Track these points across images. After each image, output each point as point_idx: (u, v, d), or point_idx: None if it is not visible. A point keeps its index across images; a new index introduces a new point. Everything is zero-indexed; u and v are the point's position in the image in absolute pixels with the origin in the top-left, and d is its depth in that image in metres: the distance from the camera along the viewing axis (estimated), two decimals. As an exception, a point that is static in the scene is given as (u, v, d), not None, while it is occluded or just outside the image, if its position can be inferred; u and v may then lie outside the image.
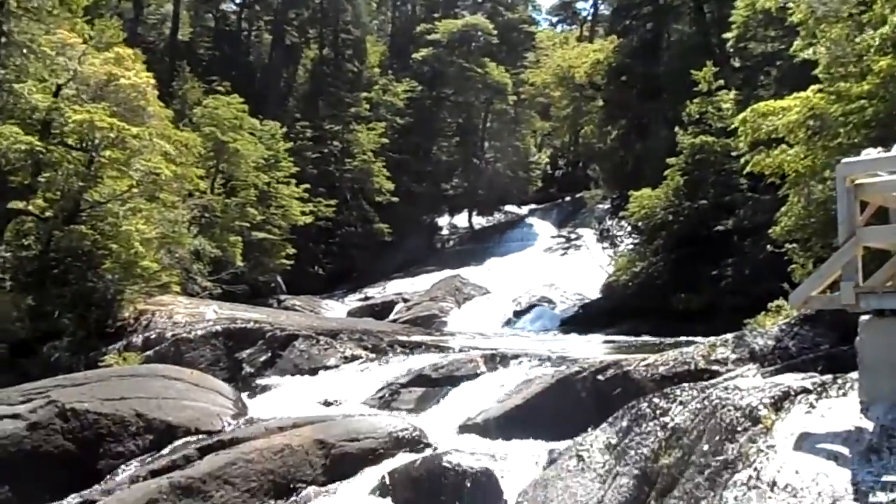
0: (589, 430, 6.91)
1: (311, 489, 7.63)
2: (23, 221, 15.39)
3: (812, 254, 9.89)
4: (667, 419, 6.29)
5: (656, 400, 6.56)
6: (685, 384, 6.93)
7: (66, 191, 15.15)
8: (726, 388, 6.37)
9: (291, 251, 26.62)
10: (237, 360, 13.84)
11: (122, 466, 9.21)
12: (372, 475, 7.77)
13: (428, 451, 8.25)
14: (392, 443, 8.35)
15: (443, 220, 40.61)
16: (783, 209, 10.78)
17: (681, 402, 6.39)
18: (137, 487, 7.60)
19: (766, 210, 14.54)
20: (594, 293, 22.52)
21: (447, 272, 27.62)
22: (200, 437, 9.36)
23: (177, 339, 14.00)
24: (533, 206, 40.70)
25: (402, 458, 8.02)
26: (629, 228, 23.05)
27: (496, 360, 11.67)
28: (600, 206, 28.63)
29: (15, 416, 9.40)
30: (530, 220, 39.00)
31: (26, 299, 14.12)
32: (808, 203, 9.84)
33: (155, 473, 7.92)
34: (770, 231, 11.22)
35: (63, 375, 10.99)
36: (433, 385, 11.23)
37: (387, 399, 11.16)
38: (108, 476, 8.93)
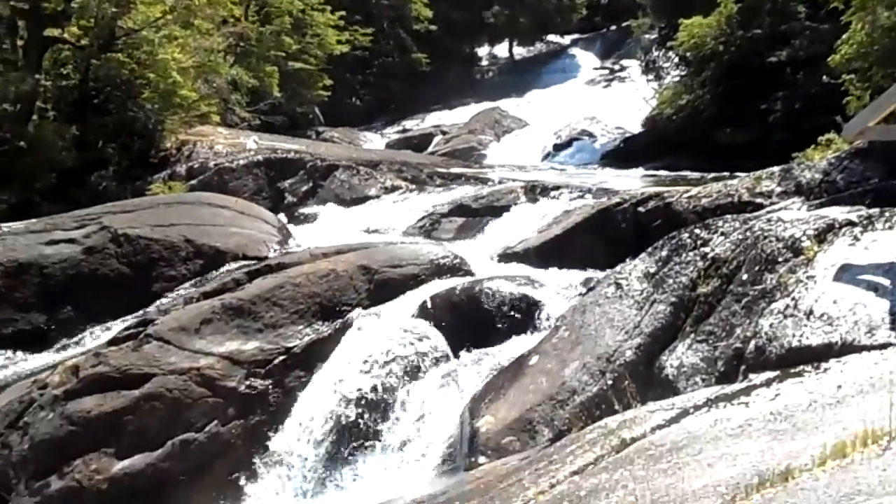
0: (628, 259, 7.00)
1: (356, 312, 7.92)
2: (59, 50, 15.30)
3: (871, 84, 9.50)
4: (707, 249, 6.33)
5: (697, 230, 6.58)
6: (727, 216, 6.91)
7: (100, 17, 14.92)
8: (769, 220, 6.34)
9: (328, 82, 26.25)
10: (279, 189, 14.04)
11: (175, 289, 9.65)
12: (413, 299, 8.03)
13: (468, 278, 8.46)
14: (433, 269, 8.56)
15: (482, 51, 39.48)
16: (844, 37, 10.28)
17: (722, 233, 6.41)
18: (192, 307, 7.95)
19: (823, 40, 13.87)
20: (636, 127, 22.10)
21: (486, 104, 27.15)
22: (248, 262, 9.68)
23: (219, 169, 14.19)
24: (576, 35, 39.20)
25: (443, 284, 8.24)
26: (676, 60, 22.22)
27: (536, 191, 11.71)
28: (647, 35, 27.48)
29: (71, 241, 9.76)
30: (573, 50, 37.73)
31: (70, 129, 14.28)
32: (872, 29, 9.35)
33: (207, 295, 8.25)
34: (829, 59, 10.75)
35: (112, 203, 11.28)
36: (473, 215, 11.36)
37: (427, 228, 11.34)
38: (163, 297, 9.38)
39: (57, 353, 9.05)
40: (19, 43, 14.91)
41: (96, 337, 9.10)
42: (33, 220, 10.46)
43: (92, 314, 9.40)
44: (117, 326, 8.91)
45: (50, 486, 6.53)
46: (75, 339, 9.24)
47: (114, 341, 7.65)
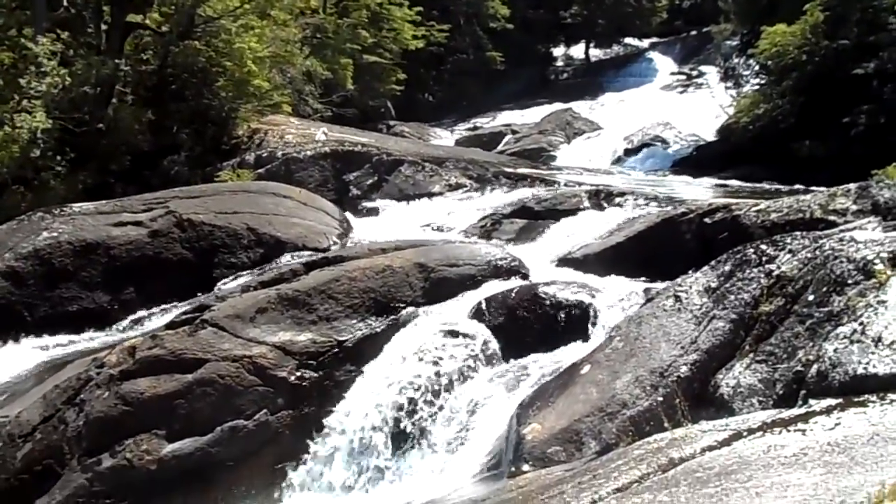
0: (689, 272, 6.79)
1: (410, 309, 7.88)
2: (141, 35, 15.69)
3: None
4: (772, 266, 6.08)
5: (763, 246, 6.33)
6: (797, 232, 6.64)
7: (181, 5, 15.25)
8: (841, 240, 6.06)
9: (402, 76, 26.36)
10: (344, 181, 14.13)
11: (234, 276, 9.78)
12: (469, 300, 7.95)
13: (525, 282, 8.34)
14: (490, 270, 8.46)
15: (558, 51, 39.13)
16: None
17: (790, 250, 6.15)
18: (248, 296, 8.02)
19: (913, 52, 13.30)
20: (711, 135, 21.59)
21: (558, 105, 26.89)
22: (307, 253, 9.75)
23: (287, 159, 14.35)
24: (655, 39, 38.52)
25: (499, 286, 8.13)
26: (756, 67, 21.63)
27: (601, 196, 11.49)
28: (728, 42, 26.83)
29: (137, 224, 9.98)
30: (651, 54, 37.09)
31: (147, 113, 14.63)
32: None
33: (264, 284, 8.32)
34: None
35: (179, 188, 11.50)
36: (535, 217, 11.22)
37: (488, 228, 11.24)
38: (222, 284, 9.52)
39: (118, 333, 9.27)
40: (103, 28, 15.33)
41: (156, 319, 9.29)
42: (103, 202, 10.73)
43: (153, 296, 9.60)
44: (176, 310, 9.08)
45: (101, 464, 6.66)
46: (136, 319, 9.46)
47: (171, 325, 7.76)
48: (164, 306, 9.41)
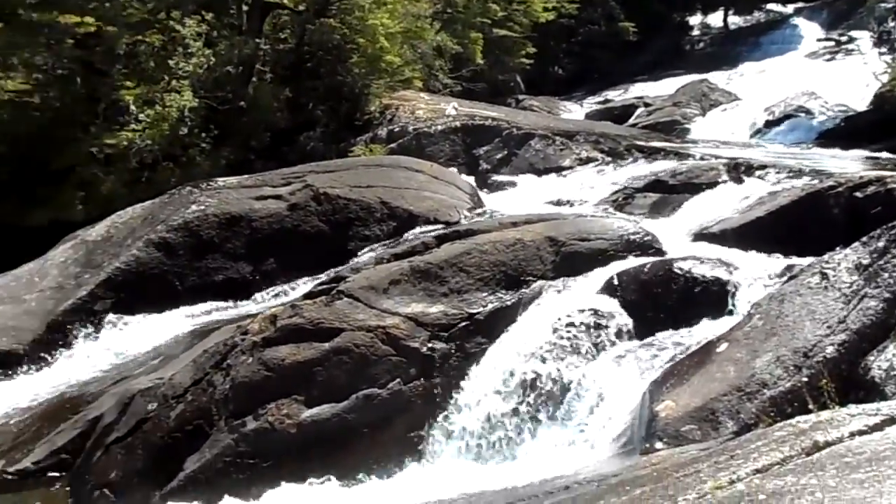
0: (837, 248, 6.44)
1: (540, 283, 7.85)
2: (279, 15, 16.21)
3: None
4: (932, 242, 5.70)
5: (922, 221, 5.93)
6: (960, 206, 6.18)
7: (317, -16, 15.65)
8: None
9: (532, 50, 26.10)
10: (474, 156, 14.18)
11: (368, 249, 10.04)
12: (600, 275, 7.84)
13: (659, 257, 8.14)
14: (622, 245, 8.31)
15: (694, 19, 37.67)
16: None
17: (952, 225, 5.74)
18: (382, 268, 8.20)
19: None
20: (861, 105, 20.29)
21: (694, 76, 25.90)
22: (438, 226, 9.86)
23: (418, 133, 14.53)
24: (800, 4, 36.45)
25: (632, 261, 7.98)
26: (914, 30, 20.16)
27: (740, 169, 11.03)
28: (882, 4, 25.10)
29: (277, 197, 10.38)
30: (795, 20, 35.08)
31: (284, 91, 15.15)
32: None
33: (397, 257, 8.49)
34: None
35: (316, 163, 11.86)
36: (670, 191, 10.91)
37: (620, 202, 11.03)
38: (356, 256, 9.78)
39: (260, 302, 9.71)
40: (244, 9, 15.94)
41: (294, 289, 9.66)
42: (245, 177, 11.20)
43: (292, 267, 9.98)
44: (313, 281, 9.41)
45: (245, 426, 7.00)
46: (276, 290, 9.87)
47: (309, 295, 8.05)
48: (302, 278, 9.76)
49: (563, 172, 13.43)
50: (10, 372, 9.16)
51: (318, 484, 6.69)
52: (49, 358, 9.31)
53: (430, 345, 7.40)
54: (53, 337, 9.48)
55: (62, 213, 13.76)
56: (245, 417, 7.05)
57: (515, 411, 6.87)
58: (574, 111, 25.05)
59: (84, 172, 14.20)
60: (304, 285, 9.57)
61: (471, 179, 12.56)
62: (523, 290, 7.83)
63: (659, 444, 5.59)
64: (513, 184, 13.27)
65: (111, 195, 13.70)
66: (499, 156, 14.16)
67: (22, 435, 8.01)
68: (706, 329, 6.80)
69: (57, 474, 7.39)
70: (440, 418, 7.10)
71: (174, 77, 14.44)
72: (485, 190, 12.52)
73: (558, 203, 11.52)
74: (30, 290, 10.12)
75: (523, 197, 12.16)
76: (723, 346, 6.16)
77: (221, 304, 9.86)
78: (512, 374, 7.06)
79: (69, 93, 14.74)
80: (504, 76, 25.91)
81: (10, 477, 7.40)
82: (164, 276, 10.01)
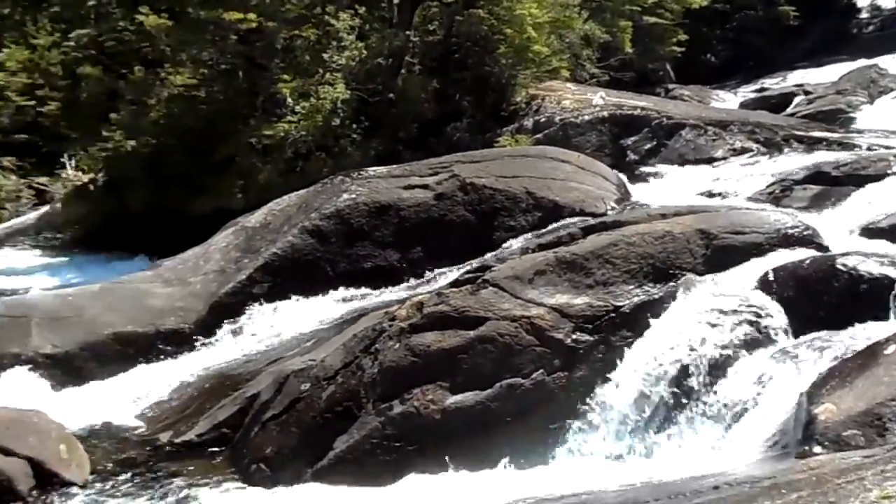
0: None
1: (690, 276, 7.62)
2: (428, 7, 16.45)
3: None
4: None
5: None
6: None
7: (467, -24, 15.77)
8: None
9: (683, 37, 25.25)
10: (621, 146, 13.93)
11: (513, 239, 10.06)
12: (754, 270, 7.52)
13: (819, 252, 7.73)
14: (779, 239, 7.93)
15: (862, 1, 35.36)
16: None
17: None
18: (527, 258, 8.21)
19: None
20: None
21: (861, 62, 24.31)
22: (584, 217, 9.76)
23: (564, 124, 14.41)
24: None
25: (790, 256, 7.61)
26: None
27: (913, 160, 10.31)
28: None
29: (425, 187, 10.58)
30: (977, -1, 32.33)
31: (432, 82, 15.39)
32: None
33: (542, 247, 8.47)
34: None
35: (462, 153, 11.99)
36: (832, 184, 10.33)
37: (777, 195, 10.53)
38: (502, 246, 9.83)
39: (406, 290, 9.94)
40: (395, 2, 16.29)
41: (440, 277, 9.83)
42: (394, 167, 11.48)
43: (438, 256, 10.15)
44: (458, 270, 9.54)
45: (392, 410, 7.19)
46: (422, 278, 10.08)
47: (455, 283, 8.16)
48: (448, 267, 9.92)
49: (715, 163, 12.98)
50: (176, 350, 9.82)
51: (460, 469, 6.80)
52: (212, 337, 9.92)
53: (574, 336, 7.34)
54: (216, 317, 10.08)
55: (223, 201, 14.59)
56: (392, 401, 7.24)
57: (661, 407, 6.72)
58: (727, 100, 24.07)
59: (243, 162, 14.99)
60: (450, 274, 9.71)
61: (618, 170, 12.34)
62: (671, 284, 7.61)
63: (817, 449, 5.32)
64: (661, 175, 12.95)
65: (267, 184, 14.39)
66: (647, 146, 13.84)
67: (187, 409, 8.58)
68: (871, 330, 6.40)
69: (218, 448, 7.86)
70: (583, 411, 7.03)
71: (328, 70, 14.95)
72: (632, 181, 12.26)
73: (710, 195, 11.14)
74: (195, 273, 10.80)
75: (672, 188, 11.84)
76: (891, 348, 5.79)
77: (370, 290, 10.17)
78: (658, 369, 6.90)
79: (232, 87, 15.58)
80: (653, 65, 25.22)
81: (176, 448, 7.94)
82: (316, 261, 10.42)
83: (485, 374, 7.24)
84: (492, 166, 10.81)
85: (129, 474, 7.35)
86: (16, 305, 10.51)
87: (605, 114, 14.48)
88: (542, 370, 7.23)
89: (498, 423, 7.09)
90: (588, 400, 7.07)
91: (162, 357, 9.77)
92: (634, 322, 7.39)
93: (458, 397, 7.18)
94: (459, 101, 15.64)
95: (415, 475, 6.82)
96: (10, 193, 20.33)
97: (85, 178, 18.00)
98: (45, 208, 19.14)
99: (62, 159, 19.81)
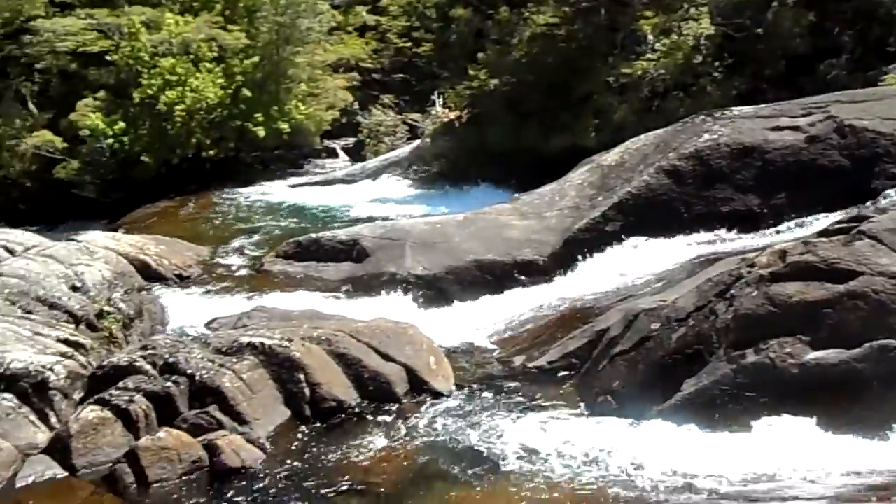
0: None
1: None
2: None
3: None
4: None
5: None
6: None
7: None
8: None
9: None
10: None
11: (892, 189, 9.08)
12: None
13: None
14: None
15: None
16: None
17: None
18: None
19: None
20: None
21: None
22: None
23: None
24: None
25: None
26: None
27: None
28: None
29: (795, 129, 9.89)
30: None
31: (807, 15, 14.19)
32: None
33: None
34: None
35: (841, 92, 10.96)
36: None
37: None
38: (882, 195, 8.91)
39: (765, 237, 9.45)
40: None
41: (804, 226, 9.19)
42: (761, 106, 10.84)
43: (804, 203, 9.50)
44: (827, 219, 8.84)
45: (745, 358, 6.93)
46: (784, 225, 9.50)
47: (824, 232, 7.58)
48: (814, 215, 9.25)
49: None
50: (531, 280, 10.36)
51: (813, 427, 6.44)
52: (564, 271, 10.30)
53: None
54: (569, 252, 10.44)
55: (577, 139, 14.90)
56: (745, 350, 6.99)
57: None
58: None
59: (599, 101, 15.12)
60: (816, 223, 9.05)
61: None
62: None
63: None
64: None
65: (621, 123, 14.40)
66: None
67: (539, 336, 9.05)
68: None
69: (566, 374, 8.21)
70: None
71: (693, 5, 14.42)
72: None
73: None
74: (550, 208, 11.23)
75: None
76: None
77: (725, 234, 9.83)
78: None
79: (593, 24, 15.68)
80: None
81: (529, 371, 8.44)
82: (671, 202, 10.28)
83: (852, 332, 6.69)
84: (877, 107, 9.76)
85: (488, 391, 7.94)
86: (395, 230, 11.74)
87: None
88: (921, 334, 6.50)
89: (863, 386, 6.53)
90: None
91: (517, 285, 10.36)
92: None
93: (819, 353, 6.73)
94: (838, 36, 14.24)
95: (766, 427, 6.58)
96: (389, 128, 22.61)
97: (451, 115, 19.31)
98: (415, 143, 20.95)
99: (432, 97, 21.45)
